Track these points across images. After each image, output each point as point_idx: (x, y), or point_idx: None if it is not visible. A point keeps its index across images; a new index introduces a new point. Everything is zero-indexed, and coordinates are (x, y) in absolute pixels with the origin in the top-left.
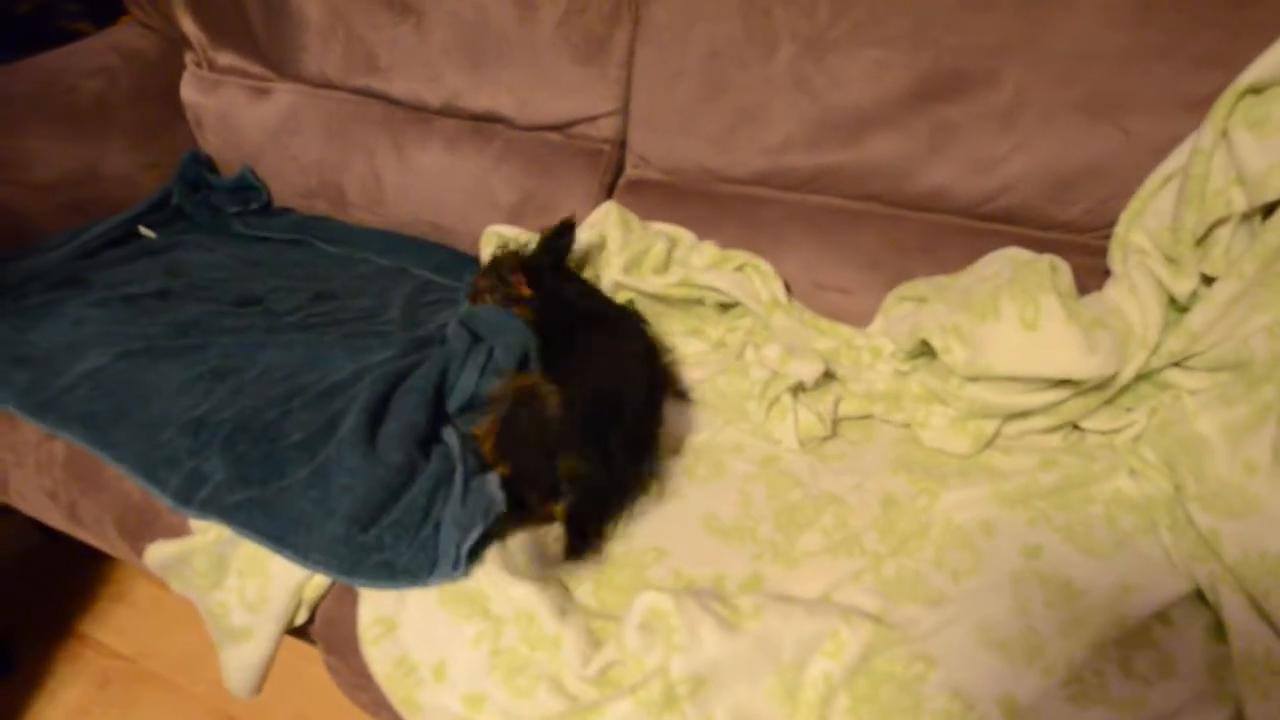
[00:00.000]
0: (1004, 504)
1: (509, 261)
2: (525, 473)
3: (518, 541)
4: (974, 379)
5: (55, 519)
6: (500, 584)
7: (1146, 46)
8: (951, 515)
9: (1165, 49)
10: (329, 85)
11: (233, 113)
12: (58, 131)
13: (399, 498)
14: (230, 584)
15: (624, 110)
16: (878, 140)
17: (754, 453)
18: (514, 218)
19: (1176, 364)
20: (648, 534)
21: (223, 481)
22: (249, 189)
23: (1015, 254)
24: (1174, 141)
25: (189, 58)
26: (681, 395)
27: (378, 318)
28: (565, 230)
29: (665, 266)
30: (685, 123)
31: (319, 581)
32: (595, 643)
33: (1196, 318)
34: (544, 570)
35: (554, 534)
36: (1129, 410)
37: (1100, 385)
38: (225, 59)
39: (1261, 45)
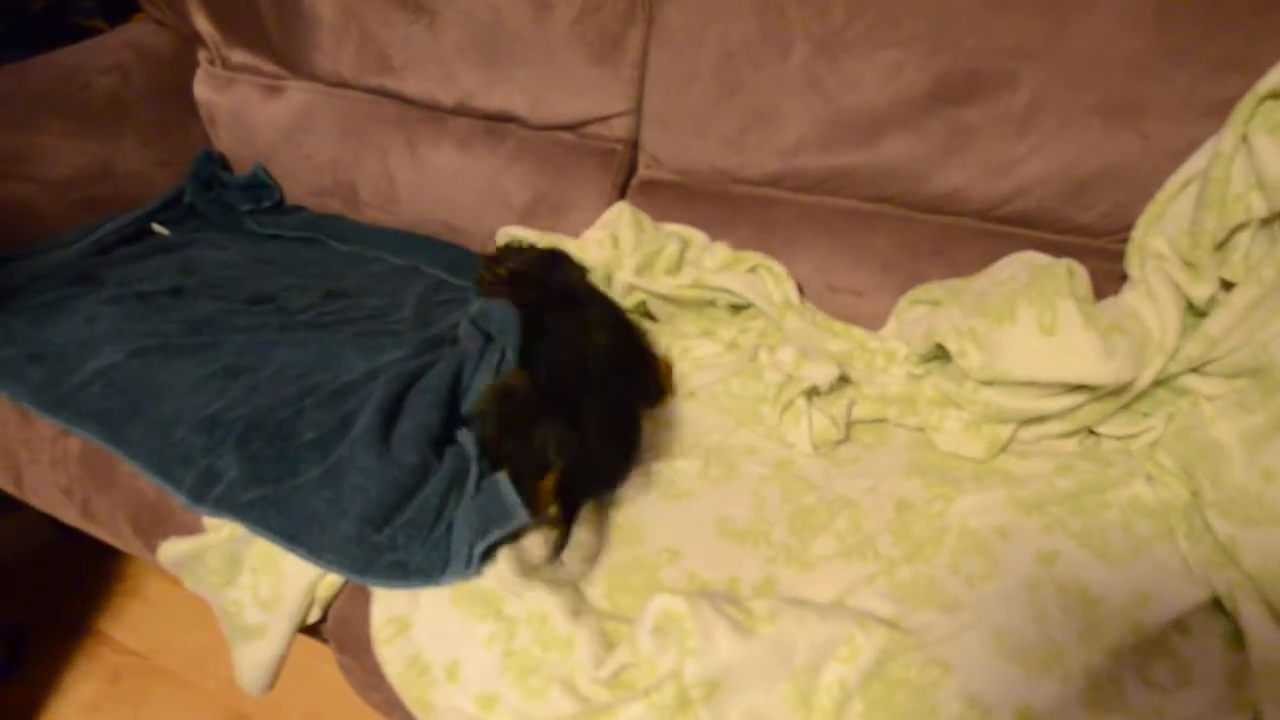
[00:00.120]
0: (1019, 509)
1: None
2: (518, 464)
3: (531, 542)
4: (989, 383)
5: (69, 515)
6: (513, 585)
7: (1165, 50)
8: (966, 520)
9: (1184, 53)
10: (342, 84)
11: (246, 111)
12: (71, 128)
13: (412, 498)
14: (244, 582)
15: (637, 110)
16: (892, 142)
17: (767, 455)
18: (526, 217)
19: (1194, 370)
20: (661, 536)
21: (236, 479)
22: (261, 187)
23: (1032, 258)
24: (1192, 145)
25: (202, 55)
26: (653, 355)
27: (390, 317)
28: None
29: (678, 267)
30: (698, 123)
31: (332, 580)
32: (608, 645)
33: (1215, 323)
34: (555, 572)
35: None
36: (1146, 416)
37: (1117, 391)
38: (238, 57)
39: None
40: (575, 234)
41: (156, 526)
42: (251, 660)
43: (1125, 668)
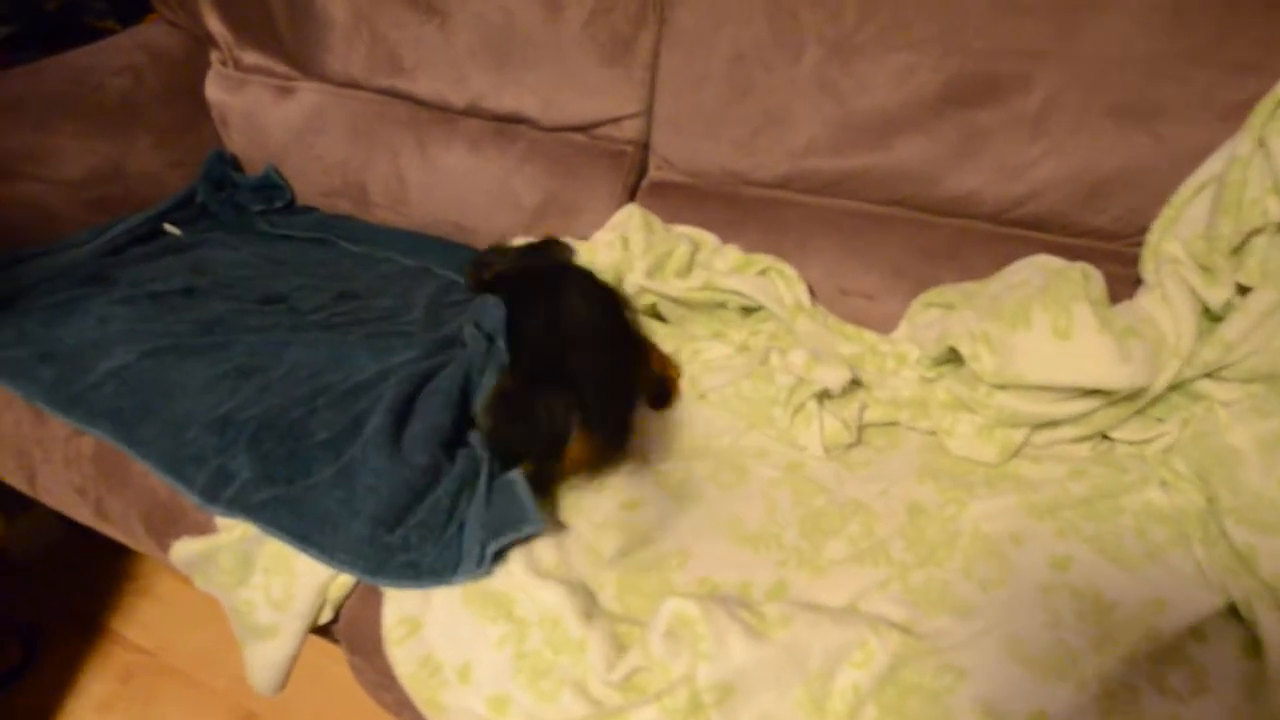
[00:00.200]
0: (1032, 514)
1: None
2: (537, 455)
3: (543, 544)
4: (1003, 387)
5: (82, 514)
6: (525, 586)
7: (1181, 52)
8: (979, 525)
9: (1200, 55)
10: (354, 85)
11: (258, 111)
12: (84, 129)
13: (424, 498)
14: (256, 582)
15: (648, 112)
16: (904, 144)
17: (778, 458)
18: (537, 219)
19: (1209, 375)
20: (672, 537)
21: (249, 479)
22: (273, 188)
23: (1046, 261)
24: (1208, 148)
25: (214, 56)
26: (640, 332)
27: (400, 318)
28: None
29: (688, 270)
30: (709, 125)
31: (344, 581)
32: (620, 648)
33: (1231, 328)
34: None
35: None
36: (1160, 421)
37: (1131, 395)
38: (250, 58)
39: None
40: (585, 236)
41: (169, 526)
42: (263, 660)
43: (1140, 675)
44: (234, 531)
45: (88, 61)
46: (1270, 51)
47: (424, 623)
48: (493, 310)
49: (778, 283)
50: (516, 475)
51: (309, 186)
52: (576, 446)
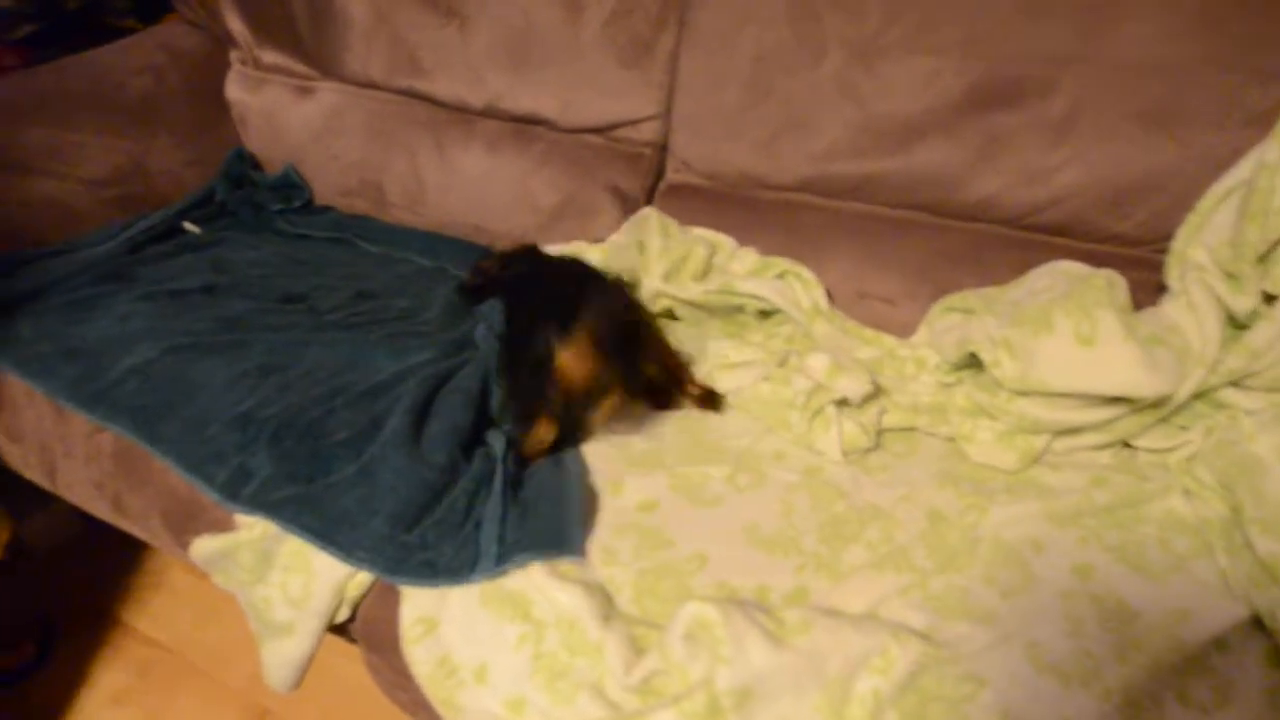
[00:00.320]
0: (1053, 522)
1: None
2: (566, 422)
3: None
4: (1024, 393)
5: (102, 510)
6: (543, 587)
7: (1207, 58)
8: (1000, 531)
9: (1227, 61)
10: (372, 85)
11: (277, 111)
12: (105, 127)
13: (442, 498)
14: (274, 579)
15: (666, 114)
16: (926, 149)
17: (796, 462)
18: (554, 220)
19: (1234, 383)
20: (690, 540)
21: (269, 477)
22: (291, 187)
23: (1069, 268)
24: (1234, 155)
25: (234, 56)
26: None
27: (417, 318)
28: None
29: (705, 273)
30: (729, 128)
31: (362, 579)
32: (638, 650)
33: (1257, 336)
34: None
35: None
36: (1183, 429)
37: (1155, 403)
38: (270, 58)
39: None
40: (602, 238)
41: (188, 523)
42: (280, 658)
43: (1164, 685)
44: (254, 529)
45: (109, 60)
46: None
47: (441, 622)
48: (491, 311)
49: (795, 286)
50: (575, 486)
51: (327, 186)
52: (580, 363)
